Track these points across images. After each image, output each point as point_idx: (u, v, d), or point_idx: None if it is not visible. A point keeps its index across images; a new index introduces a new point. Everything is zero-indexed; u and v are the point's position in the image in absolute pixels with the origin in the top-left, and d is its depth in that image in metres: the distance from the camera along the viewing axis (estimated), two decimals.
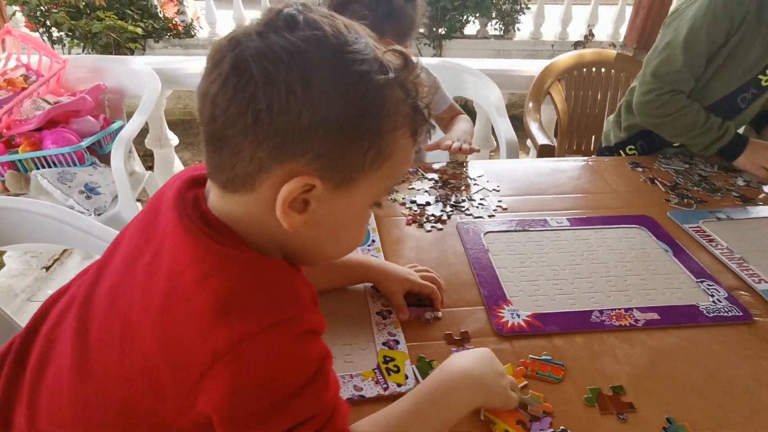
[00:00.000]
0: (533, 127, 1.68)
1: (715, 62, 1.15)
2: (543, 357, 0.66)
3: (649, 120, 1.23)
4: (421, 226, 0.93)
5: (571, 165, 1.22)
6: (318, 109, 0.40)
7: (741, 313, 0.75)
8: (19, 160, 1.40)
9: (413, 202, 1.00)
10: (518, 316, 0.74)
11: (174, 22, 4.19)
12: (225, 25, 5.40)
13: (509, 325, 0.72)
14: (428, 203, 1.00)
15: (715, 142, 1.16)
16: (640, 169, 1.19)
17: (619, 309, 0.76)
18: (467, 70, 1.74)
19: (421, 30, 4.90)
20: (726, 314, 0.75)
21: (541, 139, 1.60)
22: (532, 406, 0.58)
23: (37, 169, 1.42)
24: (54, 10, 3.30)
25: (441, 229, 0.93)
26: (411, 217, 0.96)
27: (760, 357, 0.67)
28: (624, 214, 1.00)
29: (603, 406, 0.59)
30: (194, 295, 0.41)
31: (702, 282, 0.82)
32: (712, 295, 0.79)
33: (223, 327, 0.40)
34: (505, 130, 1.59)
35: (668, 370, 0.65)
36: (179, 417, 0.42)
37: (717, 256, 0.87)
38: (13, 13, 3.19)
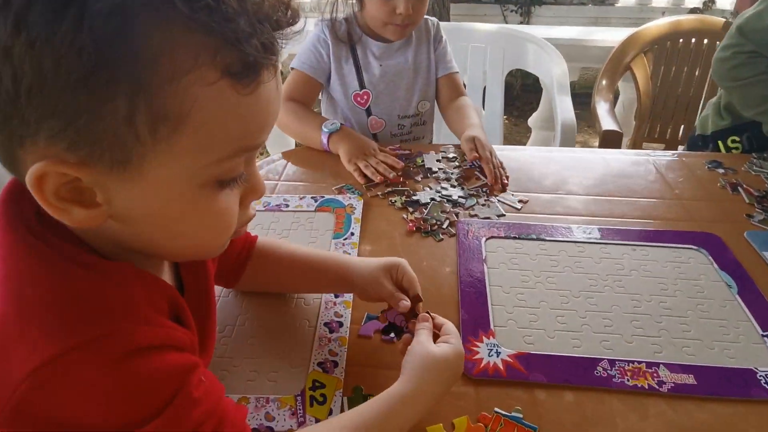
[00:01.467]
0: (601, 109, 1.42)
1: None
2: (512, 414, 0.49)
3: (721, 82, 1.10)
4: (429, 234, 0.74)
5: (624, 159, 0.96)
6: (17, 63, 0.26)
7: None
8: None
9: (412, 201, 0.80)
10: (497, 354, 0.56)
11: None
12: None
13: (482, 364, 0.54)
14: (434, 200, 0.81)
15: None
16: (721, 171, 0.91)
17: (640, 363, 0.55)
18: (531, 39, 1.51)
19: None
20: None
21: (607, 124, 1.35)
22: None
23: None
24: None
25: (453, 235, 0.74)
26: (413, 223, 0.76)
27: None
28: (680, 230, 0.76)
29: None
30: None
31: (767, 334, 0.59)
32: None
33: (21, 346, 0.30)
34: (564, 110, 1.36)
35: None
36: None
37: None
38: None
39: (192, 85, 0.28)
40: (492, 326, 0.60)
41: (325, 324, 0.59)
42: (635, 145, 1.58)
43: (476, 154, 0.88)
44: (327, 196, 0.81)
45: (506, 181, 0.86)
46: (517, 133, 2.82)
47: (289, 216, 0.76)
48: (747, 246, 0.73)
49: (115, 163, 0.29)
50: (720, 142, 1.13)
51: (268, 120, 0.34)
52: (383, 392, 0.44)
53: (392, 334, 0.54)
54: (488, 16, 5.52)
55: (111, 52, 0.26)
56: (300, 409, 0.50)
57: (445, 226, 0.75)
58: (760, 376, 0.54)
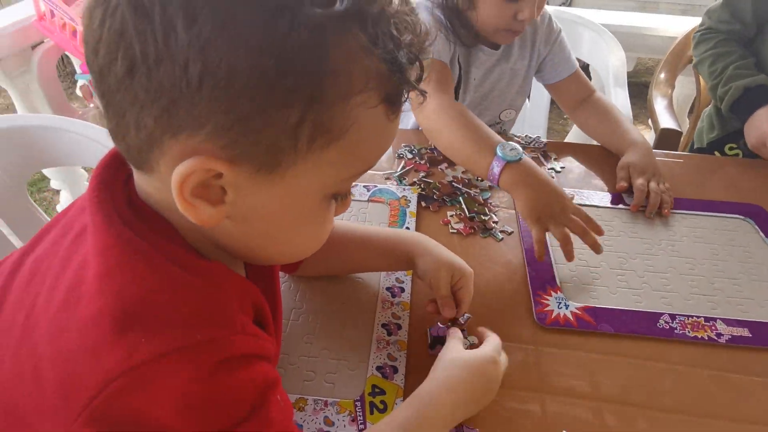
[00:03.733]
0: (659, 105, 1.32)
1: None
2: None
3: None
4: (488, 234, 0.69)
5: (691, 162, 0.88)
6: (210, 58, 0.26)
7: None
8: None
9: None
10: (566, 306, 0.58)
11: None
12: None
13: (553, 315, 0.57)
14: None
15: (723, 97, 0.93)
16: None
17: (699, 317, 0.57)
18: (588, 24, 1.40)
19: None
20: None
21: (666, 122, 1.24)
22: None
23: None
24: None
25: (511, 233, 0.70)
26: (465, 225, 0.70)
27: None
28: (727, 200, 0.76)
29: None
30: (92, 297, 0.31)
31: None
32: None
33: (118, 345, 0.29)
34: (621, 104, 1.25)
35: None
36: None
37: None
38: None
39: (358, 106, 0.30)
40: (558, 282, 0.61)
41: (383, 325, 0.56)
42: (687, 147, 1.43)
43: (624, 185, 0.76)
44: (379, 186, 0.77)
45: (667, 212, 0.73)
46: (558, 124, 2.70)
47: None
48: None
49: (264, 165, 0.30)
50: (717, 153, 1.05)
51: (390, 144, 0.36)
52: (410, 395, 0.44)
53: (438, 346, 0.52)
54: None
55: (300, 62, 0.27)
56: (360, 416, 0.47)
57: (493, 223, 0.70)
58: None
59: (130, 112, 0.29)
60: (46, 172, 1.54)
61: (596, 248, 0.63)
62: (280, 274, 0.58)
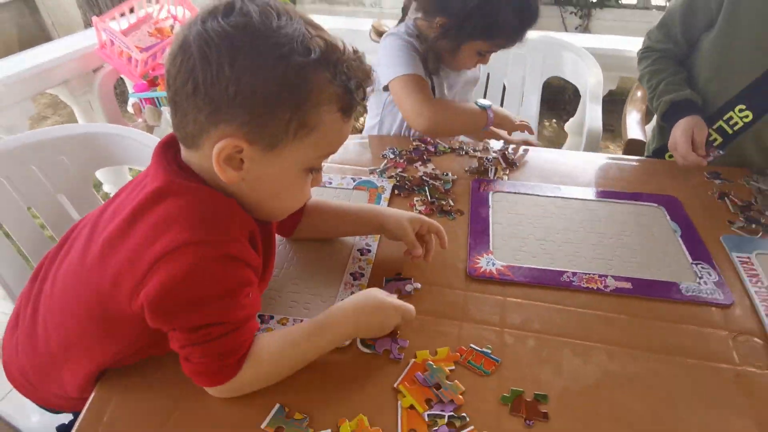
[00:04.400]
0: (632, 119, 1.48)
1: (712, 32, 0.98)
2: (483, 349, 0.63)
3: None
4: (443, 214, 0.87)
5: (629, 164, 1.06)
6: (242, 84, 0.47)
7: (722, 298, 0.69)
8: (157, 98, 1.68)
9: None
10: (493, 264, 0.75)
11: None
12: None
13: (481, 270, 0.74)
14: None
15: (656, 109, 1.05)
16: (718, 181, 0.97)
17: (594, 274, 0.74)
18: (571, 48, 1.61)
19: None
20: (705, 296, 0.70)
21: (633, 133, 1.40)
22: (446, 390, 0.58)
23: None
24: None
25: (462, 213, 0.87)
26: (426, 207, 0.89)
27: (723, 411, 0.57)
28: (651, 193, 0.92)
29: (515, 408, 0.56)
30: (153, 208, 0.52)
31: (697, 264, 0.75)
32: (701, 277, 0.73)
33: (166, 235, 0.50)
34: (592, 118, 1.47)
35: (609, 394, 0.58)
36: (131, 302, 0.52)
37: (746, 287, 0.73)
38: None
39: (324, 112, 0.51)
40: (491, 248, 0.79)
41: (351, 274, 0.74)
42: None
43: None
44: (363, 178, 0.96)
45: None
46: (563, 137, 2.87)
47: (332, 191, 0.92)
48: (721, 247, 0.81)
49: (268, 146, 0.51)
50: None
51: (345, 139, 0.57)
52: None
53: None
54: (546, 17, 5.56)
55: (292, 87, 0.49)
56: None
57: (449, 207, 0.88)
58: (681, 287, 0.71)
59: (191, 113, 0.50)
60: (99, 177, 1.82)
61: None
62: (280, 238, 0.79)
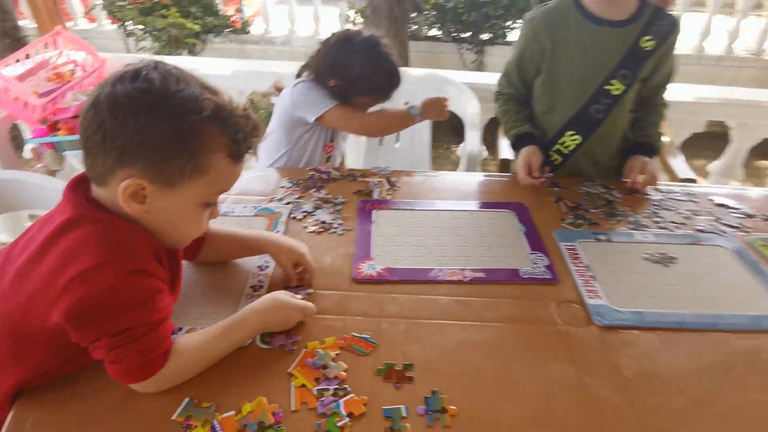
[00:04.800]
0: (502, 143, 1.65)
1: (540, 78, 1.24)
2: (363, 335, 0.76)
3: None
4: (334, 231, 1.01)
5: (482, 178, 1.31)
6: (143, 135, 0.59)
7: (551, 277, 0.89)
8: (58, 142, 1.69)
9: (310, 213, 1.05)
10: (374, 268, 0.89)
11: (233, 19, 4.63)
12: (279, 23, 5.79)
13: (363, 274, 0.88)
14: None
15: (508, 141, 1.31)
16: (556, 189, 1.20)
17: (456, 268, 0.90)
18: (450, 83, 1.87)
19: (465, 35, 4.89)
20: (538, 276, 0.89)
21: (504, 154, 1.60)
22: (331, 370, 0.70)
23: (72, 150, 1.71)
24: (129, 6, 3.81)
25: (350, 230, 1.01)
26: (317, 227, 1.01)
27: (546, 359, 0.74)
28: (502, 200, 1.13)
29: (388, 376, 0.69)
30: (64, 237, 0.61)
31: (534, 253, 0.95)
32: (536, 263, 0.92)
33: (79, 259, 0.59)
34: (471, 144, 1.71)
35: (462, 357, 0.73)
36: (46, 319, 0.59)
37: (569, 268, 0.92)
38: (92, 7, 3.74)
39: (216, 158, 0.64)
40: (372, 255, 0.93)
41: (251, 286, 0.85)
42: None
43: None
44: (263, 205, 1.07)
45: None
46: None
47: (234, 219, 1.03)
48: (553, 240, 1.00)
49: (167, 185, 0.62)
50: None
51: (236, 180, 0.70)
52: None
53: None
54: (445, 53, 6.06)
55: (186, 139, 0.61)
56: None
57: (337, 225, 1.02)
58: (520, 272, 0.90)
59: (100, 157, 0.61)
60: None
61: None
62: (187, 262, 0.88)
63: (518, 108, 1.30)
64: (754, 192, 1.28)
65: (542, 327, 0.81)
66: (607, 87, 1.19)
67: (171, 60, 0.68)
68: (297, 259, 0.86)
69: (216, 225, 0.90)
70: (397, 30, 4.81)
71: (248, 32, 4.76)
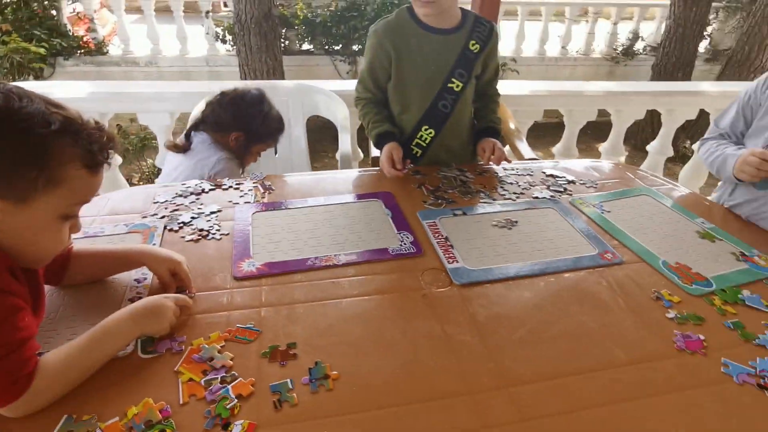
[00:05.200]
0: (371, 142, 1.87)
1: (392, 80, 1.38)
2: (247, 325, 0.80)
3: None
4: (212, 236, 1.03)
5: (356, 174, 1.40)
6: None
7: (415, 251, 1.00)
8: None
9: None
10: (253, 265, 0.93)
11: (85, 40, 4.28)
12: (140, 43, 5.48)
13: (244, 271, 0.92)
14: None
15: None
16: (418, 176, 1.34)
17: (330, 255, 0.97)
18: (320, 91, 1.96)
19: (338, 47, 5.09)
20: (404, 252, 1.00)
21: (375, 152, 1.64)
22: (218, 360, 0.73)
23: None
24: None
25: (227, 233, 1.04)
26: (195, 234, 1.03)
27: (414, 319, 0.86)
28: (372, 191, 1.23)
29: (273, 357, 0.74)
30: None
31: (400, 233, 1.06)
32: (402, 241, 1.03)
33: None
34: (344, 145, 1.82)
35: (340, 329, 0.81)
36: None
37: (431, 241, 1.04)
38: None
39: (70, 168, 0.64)
40: (251, 254, 0.97)
41: (129, 299, 0.84)
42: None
43: None
44: (137, 222, 1.06)
45: None
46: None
47: (106, 239, 1.00)
48: (418, 220, 1.13)
49: (19, 199, 0.61)
50: None
51: (96, 190, 0.70)
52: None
53: None
54: (321, 65, 6.21)
55: (37, 154, 0.62)
56: None
57: (215, 231, 1.04)
58: (389, 249, 0.99)
59: None
60: None
61: None
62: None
63: (377, 110, 1.42)
64: (574, 163, 1.53)
65: (410, 293, 0.91)
66: (449, 85, 1.36)
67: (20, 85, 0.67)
68: (174, 267, 0.87)
69: (83, 244, 0.89)
70: (268, 45, 4.84)
71: (106, 53, 4.45)
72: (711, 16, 6.23)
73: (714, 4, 5.92)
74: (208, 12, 5.82)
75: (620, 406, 0.71)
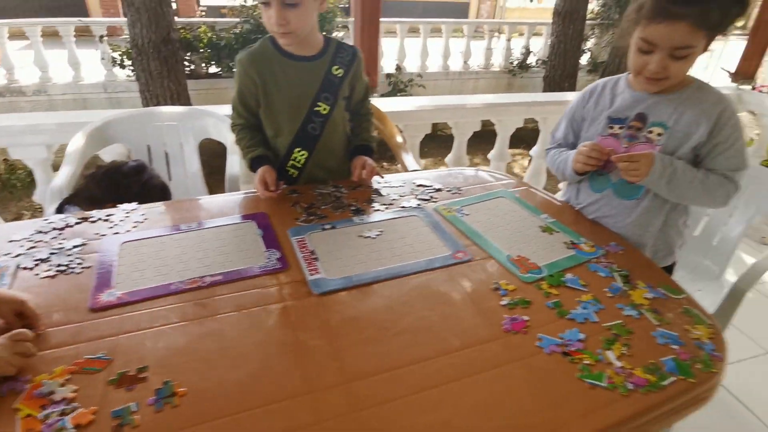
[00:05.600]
0: None
1: (262, 106, 1.44)
2: (98, 355, 0.81)
3: None
4: (71, 271, 1.02)
5: (235, 197, 1.40)
6: None
7: (281, 266, 1.06)
8: None
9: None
10: (114, 295, 0.94)
11: None
12: (26, 70, 5.13)
13: (102, 302, 0.92)
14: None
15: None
16: (294, 195, 1.38)
17: (196, 277, 1.00)
18: (211, 115, 1.99)
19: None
20: (270, 268, 1.04)
21: None
22: (59, 394, 0.73)
23: None
24: None
25: (90, 266, 1.03)
26: (51, 271, 1.01)
27: (271, 330, 0.91)
28: (248, 213, 1.27)
29: (120, 383, 0.75)
30: None
31: (268, 250, 1.11)
32: (269, 258, 1.08)
33: None
34: (230, 167, 1.85)
35: (196, 346, 0.84)
36: None
37: (297, 256, 1.09)
38: None
39: None
40: (112, 284, 0.97)
41: None
42: None
43: None
44: None
45: None
46: None
47: None
48: (287, 237, 1.17)
49: None
50: None
51: None
52: None
53: None
54: (228, 89, 6.13)
55: None
56: None
57: (75, 265, 1.03)
58: (256, 268, 1.04)
59: None
60: None
61: None
62: None
63: (251, 135, 1.47)
64: (444, 172, 1.67)
65: (271, 307, 0.96)
66: (316, 108, 1.44)
67: None
68: (18, 308, 0.86)
69: None
70: (169, 70, 4.72)
71: None
72: (589, 32, 6.94)
73: (589, 21, 6.60)
74: (102, 36, 5.58)
75: (449, 386, 0.80)
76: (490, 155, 2.85)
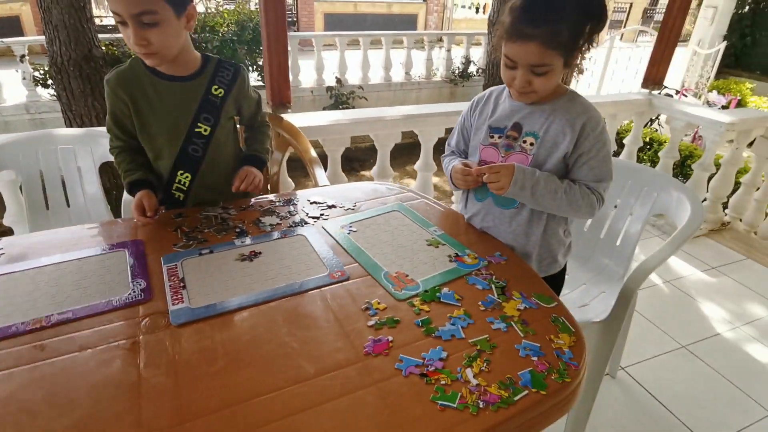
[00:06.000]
0: None
1: (137, 128, 1.38)
2: None
3: None
4: None
5: (113, 224, 1.36)
6: None
7: (144, 297, 1.00)
8: None
9: None
10: None
11: None
12: None
13: None
14: None
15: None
16: (178, 219, 1.33)
17: (41, 317, 0.93)
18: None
19: None
20: (132, 300, 0.99)
21: None
22: None
23: None
24: None
25: None
26: None
27: (119, 370, 0.87)
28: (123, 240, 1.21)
29: None
30: None
31: (134, 281, 1.05)
32: (133, 289, 1.02)
33: None
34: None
35: (22, 396, 0.78)
36: None
37: (165, 286, 1.03)
38: None
39: None
40: None
41: None
42: None
43: None
44: None
45: None
46: None
47: None
48: (160, 264, 1.13)
49: None
50: None
51: None
52: None
53: None
54: None
55: None
56: None
57: None
58: (115, 301, 0.98)
59: None
60: None
61: None
62: None
63: (131, 158, 1.40)
64: (342, 187, 1.65)
65: (119, 343, 0.90)
66: (197, 130, 1.39)
67: None
68: None
69: None
70: (93, 88, 4.52)
71: None
72: None
73: None
74: (23, 56, 5.31)
75: (294, 418, 0.77)
76: (416, 166, 2.86)
